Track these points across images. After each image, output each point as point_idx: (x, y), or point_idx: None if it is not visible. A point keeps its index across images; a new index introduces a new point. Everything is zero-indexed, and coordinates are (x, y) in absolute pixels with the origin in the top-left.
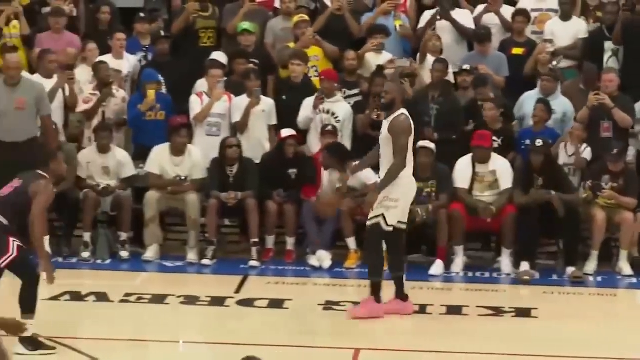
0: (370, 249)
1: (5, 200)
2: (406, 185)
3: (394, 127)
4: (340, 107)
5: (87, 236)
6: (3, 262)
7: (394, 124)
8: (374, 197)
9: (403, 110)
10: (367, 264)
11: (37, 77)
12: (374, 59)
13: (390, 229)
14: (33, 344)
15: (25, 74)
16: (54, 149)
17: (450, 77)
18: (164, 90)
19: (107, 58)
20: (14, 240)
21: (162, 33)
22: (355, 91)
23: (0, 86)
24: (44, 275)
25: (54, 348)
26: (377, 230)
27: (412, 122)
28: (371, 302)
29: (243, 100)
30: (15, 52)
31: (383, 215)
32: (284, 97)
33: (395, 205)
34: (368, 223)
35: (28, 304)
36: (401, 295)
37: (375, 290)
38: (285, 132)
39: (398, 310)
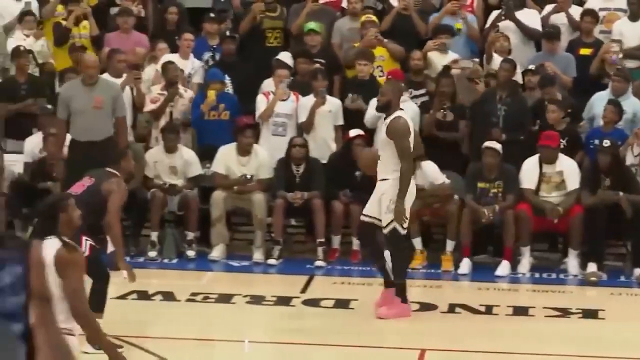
0: (397, 254)
1: (78, 199)
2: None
3: (393, 131)
4: (407, 107)
5: (154, 235)
6: None
7: (393, 127)
8: (401, 207)
9: (400, 112)
10: (394, 267)
11: (105, 77)
12: (439, 59)
13: (405, 231)
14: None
15: None
16: (125, 149)
17: (519, 78)
18: (229, 90)
19: (174, 58)
20: (86, 239)
21: (228, 33)
22: (422, 91)
23: (77, 85)
24: (124, 274)
25: (120, 347)
26: (396, 235)
27: (410, 123)
28: (398, 303)
29: (309, 100)
30: (84, 52)
31: (395, 221)
32: (349, 95)
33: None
34: (385, 231)
35: (98, 302)
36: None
37: (402, 291)
38: (353, 132)
39: (400, 314)
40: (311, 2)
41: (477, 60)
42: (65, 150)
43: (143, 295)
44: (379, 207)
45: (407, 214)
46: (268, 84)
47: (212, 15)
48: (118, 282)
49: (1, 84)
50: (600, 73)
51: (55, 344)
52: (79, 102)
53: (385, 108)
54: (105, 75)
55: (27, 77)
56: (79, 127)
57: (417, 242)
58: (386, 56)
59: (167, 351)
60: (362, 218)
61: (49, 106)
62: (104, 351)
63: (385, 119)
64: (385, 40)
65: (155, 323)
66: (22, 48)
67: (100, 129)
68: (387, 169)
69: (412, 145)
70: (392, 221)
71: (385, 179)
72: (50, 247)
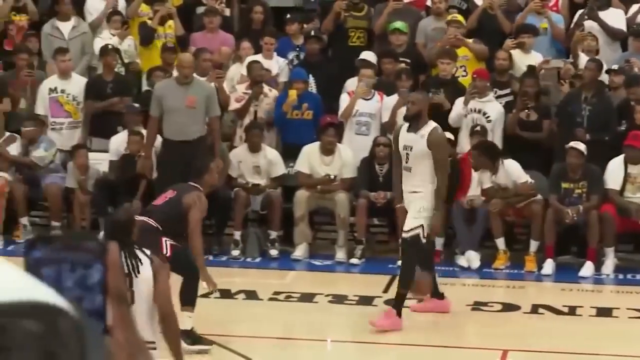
0: (410, 262)
1: (159, 210)
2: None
3: (434, 143)
4: (492, 107)
5: (237, 234)
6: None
7: (437, 140)
8: (438, 219)
9: (434, 123)
10: (402, 274)
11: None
12: (522, 59)
13: (425, 240)
14: (192, 337)
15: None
16: (208, 162)
17: (604, 78)
18: (313, 89)
19: (259, 57)
20: (166, 240)
21: (313, 33)
22: (507, 91)
23: (172, 84)
24: (203, 284)
25: (212, 343)
26: (416, 241)
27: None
28: (393, 315)
29: (393, 100)
30: (174, 52)
31: (422, 226)
32: (430, 93)
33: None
34: (406, 235)
35: (188, 297)
36: (437, 295)
37: (401, 302)
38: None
39: (433, 309)
40: (393, 1)
41: (568, 60)
42: (157, 149)
43: (226, 294)
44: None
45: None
46: (352, 83)
47: (289, 16)
48: (202, 281)
49: (88, 83)
50: None
51: (132, 344)
52: (173, 101)
53: (415, 117)
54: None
55: (114, 75)
56: (172, 126)
57: (501, 243)
58: (470, 56)
59: (250, 350)
60: (404, 235)
61: (136, 105)
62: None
63: (415, 130)
64: (468, 40)
65: (237, 322)
66: (110, 46)
67: (193, 128)
68: (421, 181)
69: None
70: (419, 227)
71: (416, 192)
72: (145, 262)
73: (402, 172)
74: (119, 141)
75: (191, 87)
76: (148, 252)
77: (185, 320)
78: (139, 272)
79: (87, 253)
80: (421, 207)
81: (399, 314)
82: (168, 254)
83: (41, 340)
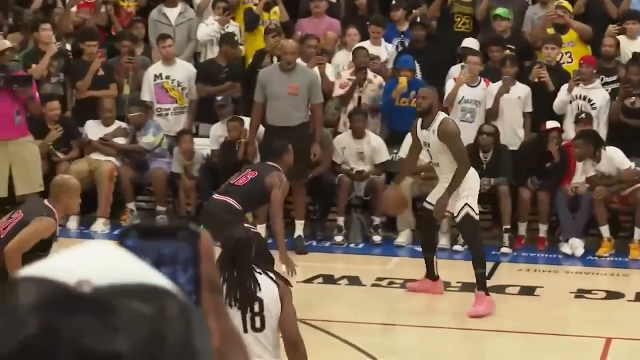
0: (474, 241)
1: (242, 190)
2: (473, 175)
3: (446, 134)
4: (597, 94)
5: (340, 220)
6: None
7: (446, 131)
8: (444, 202)
9: (443, 114)
10: (474, 256)
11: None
12: (628, 45)
13: (478, 216)
14: None
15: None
16: (286, 143)
17: None
18: (418, 75)
19: (367, 44)
20: (248, 227)
21: (419, 19)
22: (613, 78)
23: (275, 71)
24: (283, 267)
25: None
26: (470, 220)
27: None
28: (483, 297)
29: (496, 87)
30: (277, 35)
31: (467, 204)
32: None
33: (473, 193)
34: (458, 218)
35: None
36: (432, 276)
37: (483, 283)
38: (550, 124)
39: (427, 290)
40: None
41: None
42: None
43: (329, 279)
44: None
45: (475, 203)
46: (456, 70)
47: (394, 2)
48: (305, 265)
49: (201, 66)
50: None
51: (225, 333)
52: (276, 87)
53: (427, 112)
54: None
55: (229, 61)
56: (274, 112)
57: (605, 230)
58: (575, 42)
59: (351, 335)
60: (425, 205)
61: (223, 98)
62: None
63: (424, 125)
64: (572, 20)
65: (340, 307)
66: (235, 37)
67: (295, 114)
68: (450, 171)
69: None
70: (465, 206)
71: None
72: (265, 282)
73: (433, 167)
74: (219, 129)
75: (294, 74)
76: (271, 274)
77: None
78: (256, 294)
79: (180, 241)
80: (461, 189)
81: (487, 293)
82: None
83: (150, 322)
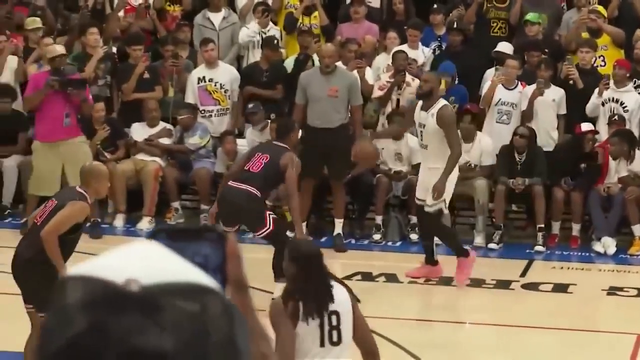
0: (443, 232)
1: (258, 175)
2: (455, 174)
3: (443, 119)
4: (630, 97)
5: (379, 219)
6: (261, 234)
7: (443, 116)
8: (442, 186)
9: (444, 100)
10: (451, 246)
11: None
12: None
13: (447, 211)
14: None
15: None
16: (292, 122)
17: None
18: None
19: (405, 47)
20: (270, 214)
21: (455, 25)
22: None
23: (315, 74)
24: None
25: None
26: (439, 214)
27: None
28: (464, 262)
29: (531, 89)
30: (309, 35)
31: (445, 200)
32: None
33: (450, 189)
34: (430, 209)
35: (281, 269)
36: (431, 261)
37: (461, 250)
38: (585, 127)
39: (426, 274)
40: None
41: None
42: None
43: (367, 277)
44: (427, 192)
45: (449, 195)
46: (491, 73)
47: (435, 6)
48: (344, 263)
49: (245, 69)
50: None
51: (253, 330)
52: (316, 89)
53: (427, 95)
54: (338, 64)
55: (270, 64)
56: (315, 113)
57: (637, 229)
58: (609, 45)
59: (388, 330)
60: (417, 201)
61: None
62: None
63: (426, 108)
64: (606, 25)
65: (377, 303)
66: (275, 40)
67: (335, 116)
68: (437, 158)
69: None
70: (442, 201)
71: (433, 168)
72: (339, 293)
73: (420, 149)
74: (252, 134)
75: (334, 77)
76: (343, 287)
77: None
78: (328, 312)
79: (207, 243)
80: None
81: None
82: (271, 228)
83: (195, 319)
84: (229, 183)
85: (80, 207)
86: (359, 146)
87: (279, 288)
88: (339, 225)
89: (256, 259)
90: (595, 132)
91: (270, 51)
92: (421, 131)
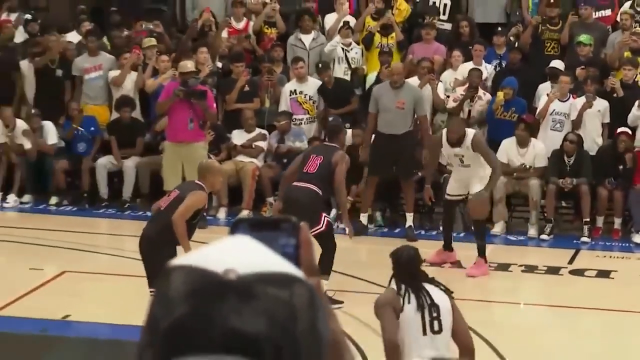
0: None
1: (316, 175)
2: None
3: (479, 145)
4: None
5: None
6: (313, 232)
7: (478, 142)
8: (486, 195)
9: (471, 130)
10: (477, 231)
11: (412, 81)
12: None
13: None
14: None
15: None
16: (340, 124)
17: None
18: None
19: (470, 64)
20: (325, 216)
21: (516, 45)
22: None
23: (386, 87)
24: (347, 230)
25: (342, 302)
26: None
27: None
28: (482, 263)
29: (580, 101)
30: (391, 58)
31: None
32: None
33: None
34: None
35: (326, 267)
36: (448, 248)
37: (484, 252)
38: (620, 129)
39: (444, 260)
40: (571, 15)
41: None
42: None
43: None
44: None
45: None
46: (544, 88)
47: (499, 29)
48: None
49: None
50: None
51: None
52: (386, 101)
53: (461, 141)
54: (414, 79)
55: (336, 83)
56: (384, 122)
57: None
58: None
59: None
60: (448, 197)
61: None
62: None
63: (456, 145)
64: None
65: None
66: (320, 65)
67: (402, 125)
68: (481, 168)
69: None
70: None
71: (484, 175)
72: (435, 292)
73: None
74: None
75: (402, 91)
76: (441, 286)
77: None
78: (428, 304)
79: (283, 232)
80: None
81: (486, 261)
82: (323, 229)
83: (286, 305)
84: (295, 183)
85: (200, 197)
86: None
87: (322, 282)
88: (409, 219)
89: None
90: (628, 134)
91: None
92: (461, 158)
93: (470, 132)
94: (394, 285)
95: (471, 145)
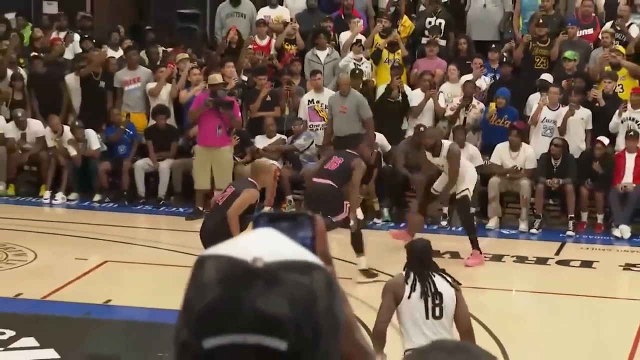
0: (467, 215)
1: (335, 173)
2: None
3: (452, 155)
4: None
5: (445, 210)
6: (338, 219)
7: (452, 152)
8: (447, 195)
9: (448, 142)
10: (466, 226)
11: (416, 92)
12: None
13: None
14: (369, 274)
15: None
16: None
17: None
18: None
19: (469, 76)
20: (346, 203)
21: (505, 59)
22: None
23: (337, 96)
24: (351, 222)
25: (376, 274)
26: (467, 200)
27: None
28: (478, 254)
29: (565, 110)
30: (401, 71)
31: (468, 189)
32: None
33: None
34: (458, 196)
35: (358, 247)
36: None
37: (477, 244)
38: (598, 138)
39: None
40: (561, 35)
41: None
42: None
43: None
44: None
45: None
46: (533, 98)
47: (493, 46)
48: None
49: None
50: None
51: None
52: (335, 108)
53: (434, 147)
54: (417, 91)
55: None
56: (336, 126)
57: None
58: (626, 76)
59: None
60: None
61: None
62: None
63: (435, 154)
64: (623, 60)
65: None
66: (357, 71)
67: (346, 127)
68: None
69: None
70: (466, 189)
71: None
72: (441, 282)
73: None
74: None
75: (347, 98)
76: (448, 277)
77: (362, 262)
78: (432, 292)
79: (299, 224)
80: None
81: (481, 252)
82: (346, 215)
83: (307, 290)
84: (314, 179)
85: (253, 193)
86: (410, 219)
87: (361, 260)
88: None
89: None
90: (603, 143)
91: (351, 81)
92: (442, 166)
93: (447, 144)
94: (403, 273)
95: (446, 156)
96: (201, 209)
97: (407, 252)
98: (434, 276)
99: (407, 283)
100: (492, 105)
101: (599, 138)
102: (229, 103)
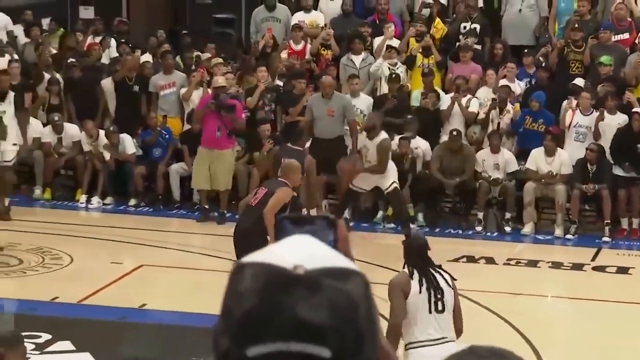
0: (401, 207)
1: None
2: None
3: (379, 150)
4: None
5: (480, 215)
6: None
7: (380, 148)
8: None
9: (384, 134)
10: (401, 218)
11: (447, 97)
12: None
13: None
14: None
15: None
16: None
17: None
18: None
19: (505, 81)
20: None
21: (543, 64)
22: None
23: (318, 98)
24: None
25: None
26: (398, 192)
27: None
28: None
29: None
30: (432, 77)
31: (395, 181)
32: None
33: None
34: (389, 190)
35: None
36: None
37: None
38: (635, 109)
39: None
40: (591, 39)
41: None
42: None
43: (470, 259)
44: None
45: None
46: (568, 102)
47: (526, 51)
48: (453, 249)
49: (377, 99)
50: None
51: None
52: (317, 110)
53: (371, 130)
54: (448, 95)
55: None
56: (317, 129)
57: None
58: None
59: (487, 301)
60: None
61: None
62: None
63: (370, 137)
64: None
65: (478, 280)
66: (393, 75)
67: (331, 130)
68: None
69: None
70: (393, 182)
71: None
72: (442, 275)
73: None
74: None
75: (332, 100)
76: (445, 274)
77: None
78: (434, 287)
79: (321, 226)
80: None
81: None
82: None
83: (348, 297)
84: None
85: (287, 192)
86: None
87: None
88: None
89: (386, 244)
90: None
91: (393, 85)
92: (369, 151)
93: (383, 135)
94: (407, 270)
95: (377, 146)
96: (206, 207)
97: (405, 248)
98: (434, 271)
99: (412, 278)
100: (517, 105)
101: (635, 109)
102: (230, 106)
